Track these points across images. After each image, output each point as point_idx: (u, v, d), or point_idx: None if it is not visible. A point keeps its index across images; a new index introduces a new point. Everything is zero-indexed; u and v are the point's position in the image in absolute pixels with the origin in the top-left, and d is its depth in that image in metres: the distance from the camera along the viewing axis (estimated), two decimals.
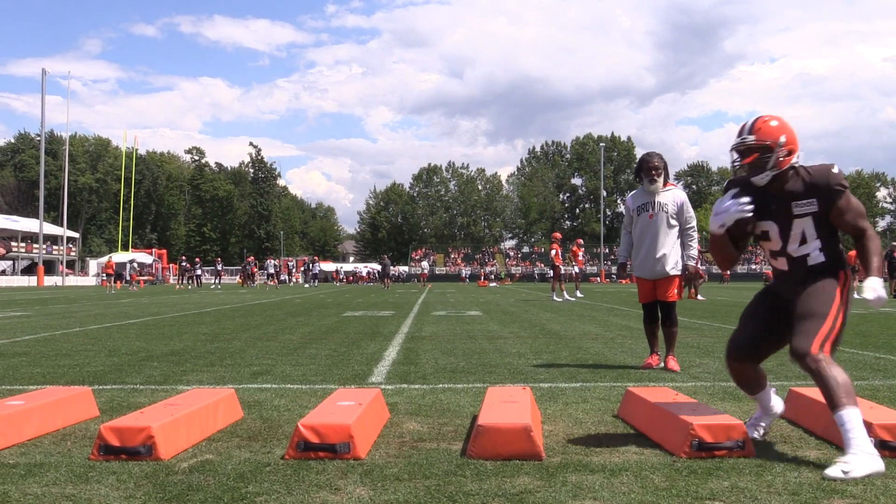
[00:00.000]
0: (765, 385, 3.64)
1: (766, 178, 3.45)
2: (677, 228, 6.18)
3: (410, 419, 4.10)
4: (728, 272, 47.85)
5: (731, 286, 39.16)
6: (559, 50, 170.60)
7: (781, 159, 3.42)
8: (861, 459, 2.96)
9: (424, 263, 61.36)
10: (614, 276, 65.30)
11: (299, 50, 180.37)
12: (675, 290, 6.22)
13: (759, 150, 3.43)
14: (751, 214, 3.48)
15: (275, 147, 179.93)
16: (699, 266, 6.43)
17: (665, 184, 6.20)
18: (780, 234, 3.50)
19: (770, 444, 3.50)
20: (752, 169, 3.47)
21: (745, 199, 3.47)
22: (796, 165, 3.47)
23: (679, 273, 6.17)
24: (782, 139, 3.42)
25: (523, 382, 5.37)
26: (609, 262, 78.15)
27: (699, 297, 21.05)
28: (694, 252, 6.19)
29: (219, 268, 46.81)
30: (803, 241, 3.45)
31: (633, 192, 6.46)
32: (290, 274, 54.02)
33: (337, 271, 73.09)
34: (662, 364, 6.20)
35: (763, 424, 3.67)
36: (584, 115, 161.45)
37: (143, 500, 2.70)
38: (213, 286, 43.72)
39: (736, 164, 3.52)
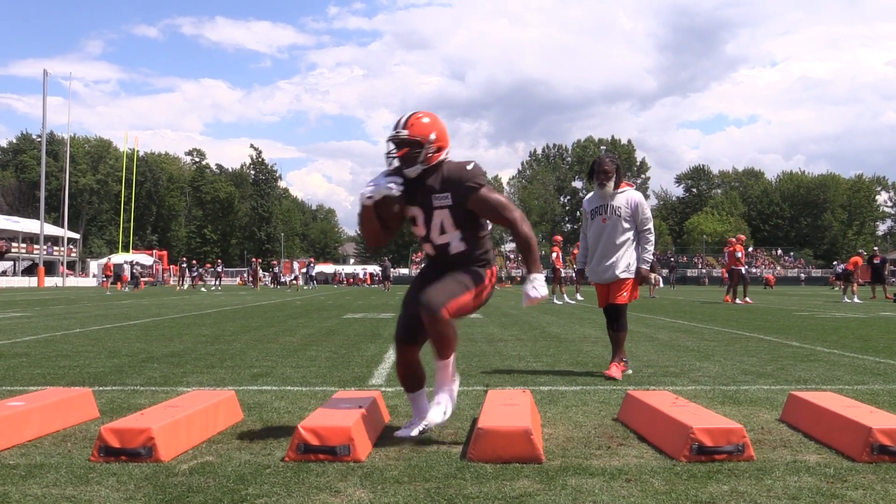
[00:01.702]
0: (422, 386, 3.87)
1: (416, 171, 3.68)
2: (632, 231, 5.98)
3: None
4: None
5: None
6: (561, 52, 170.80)
7: (430, 155, 3.67)
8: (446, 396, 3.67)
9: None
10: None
11: (301, 52, 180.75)
12: (625, 293, 5.97)
13: (410, 145, 3.66)
14: (398, 194, 3.68)
15: (276, 149, 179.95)
16: (655, 269, 6.33)
17: (618, 185, 6.01)
18: (424, 222, 3.75)
19: (770, 449, 3.50)
20: (405, 161, 3.68)
21: (398, 180, 3.69)
22: (443, 161, 3.74)
23: (631, 276, 5.95)
24: (432, 136, 3.67)
25: (523, 385, 5.38)
26: None
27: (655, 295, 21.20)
28: (648, 255, 5.98)
29: (219, 269, 46.79)
30: (443, 231, 3.72)
31: (589, 194, 6.28)
32: (276, 278, 53.03)
33: (336, 273, 73.08)
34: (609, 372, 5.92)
35: (419, 427, 3.71)
36: (585, 118, 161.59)
37: (144, 501, 2.70)
38: (213, 287, 43.73)
39: (391, 154, 3.72)
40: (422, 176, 3.71)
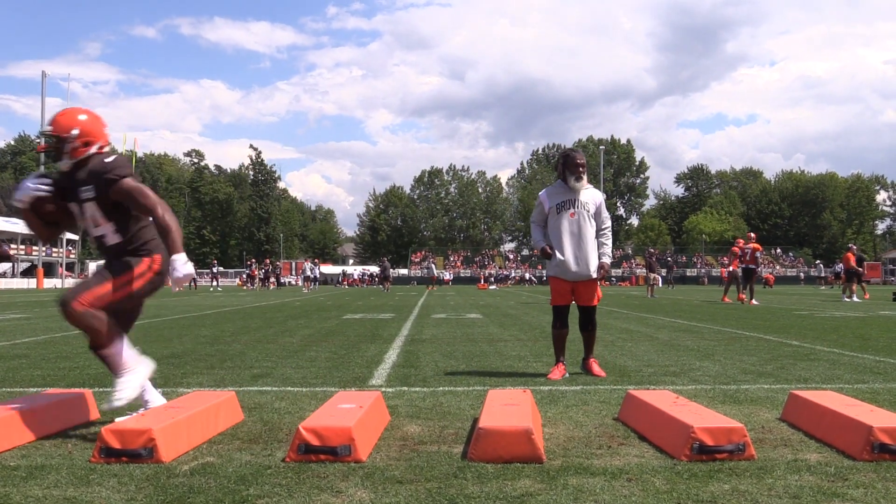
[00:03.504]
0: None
1: (66, 164, 3.87)
2: (594, 229, 5.98)
3: (411, 422, 4.10)
4: (772, 277, 48.10)
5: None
6: (561, 52, 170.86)
7: (76, 149, 3.84)
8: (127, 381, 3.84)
9: (432, 266, 60.92)
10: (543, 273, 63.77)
11: (300, 52, 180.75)
12: (598, 295, 6.04)
13: (54, 140, 3.84)
14: (47, 194, 3.89)
15: (275, 150, 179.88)
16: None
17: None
18: (79, 215, 3.93)
19: (771, 448, 3.50)
20: (56, 157, 3.88)
21: (45, 181, 3.92)
22: (92, 155, 3.88)
23: (597, 276, 5.97)
24: (74, 132, 3.82)
25: (524, 385, 5.38)
26: None
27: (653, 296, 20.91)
28: (608, 250, 6.00)
29: (215, 270, 46.81)
30: (96, 223, 3.90)
31: (549, 188, 6.13)
32: (266, 278, 51.52)
33: (344, 273, 73.52)
34: (583, 369, 6.09)
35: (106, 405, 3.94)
36: (585, 118, 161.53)
37: (144, 502, 2.70)
38: (211, 289, 43.70)
39: (39, 150, 4.11)
40: (73, 171, 3.88)
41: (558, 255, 5.93)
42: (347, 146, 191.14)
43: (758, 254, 20.49)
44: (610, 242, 6.07)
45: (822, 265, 65.87)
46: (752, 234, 21.44)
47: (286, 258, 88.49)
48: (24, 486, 2.90)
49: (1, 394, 5.09)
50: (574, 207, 5.91)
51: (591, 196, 5.99)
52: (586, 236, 5.90)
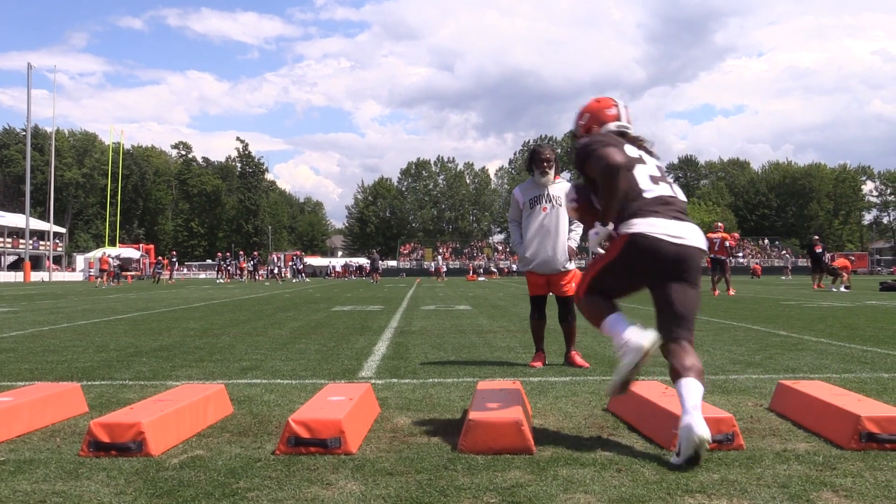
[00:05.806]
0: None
1: None
2: (567, 221, 6.07)
3: (401, 414, 4.10)
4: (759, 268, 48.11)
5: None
6: (550, 43, 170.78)
7: None
8: None
9: (438, 258, 60.62)
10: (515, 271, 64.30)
11: (288, 43, 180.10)
12: (573, 283, 6.05)
13: None
14: None
15: (263, 141, 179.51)
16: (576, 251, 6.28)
17: (554, 176, 6.08)
18: None
19: (759, 438, 3.52)
20: None
21: None
22: None
23: (573, 266, 6.09)
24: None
25: (513, 377, 5.38)
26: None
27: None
28: (575, 236, 6.09)
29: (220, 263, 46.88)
30: None
31: (522, 184, 6.25)
32: (255, 271, 50.83)
33: (347, 266, 73.78)
34: (566, 362, 6.13)
35: None
36: (574, 109, 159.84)
37: (134, 496, 2.69)
38: (218, 281, 43.61)
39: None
40: None
41: (527, 252, 6.05)
42: (336, 138, 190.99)
43: (727, 243, 20.35)
44: (580, 230, 6.12)
45: (787, 255, 66.43)
46: (720, 224, 21.36)
47: (275, 250, 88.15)
48: (12, 481, 2.88)
49: None
50: (545, 202, 6.02)
51: (562, 189, 6.04)
52: (559, 230, 6.01)
